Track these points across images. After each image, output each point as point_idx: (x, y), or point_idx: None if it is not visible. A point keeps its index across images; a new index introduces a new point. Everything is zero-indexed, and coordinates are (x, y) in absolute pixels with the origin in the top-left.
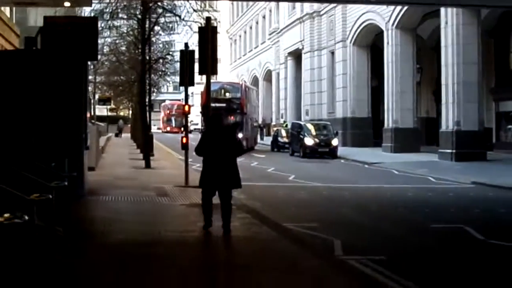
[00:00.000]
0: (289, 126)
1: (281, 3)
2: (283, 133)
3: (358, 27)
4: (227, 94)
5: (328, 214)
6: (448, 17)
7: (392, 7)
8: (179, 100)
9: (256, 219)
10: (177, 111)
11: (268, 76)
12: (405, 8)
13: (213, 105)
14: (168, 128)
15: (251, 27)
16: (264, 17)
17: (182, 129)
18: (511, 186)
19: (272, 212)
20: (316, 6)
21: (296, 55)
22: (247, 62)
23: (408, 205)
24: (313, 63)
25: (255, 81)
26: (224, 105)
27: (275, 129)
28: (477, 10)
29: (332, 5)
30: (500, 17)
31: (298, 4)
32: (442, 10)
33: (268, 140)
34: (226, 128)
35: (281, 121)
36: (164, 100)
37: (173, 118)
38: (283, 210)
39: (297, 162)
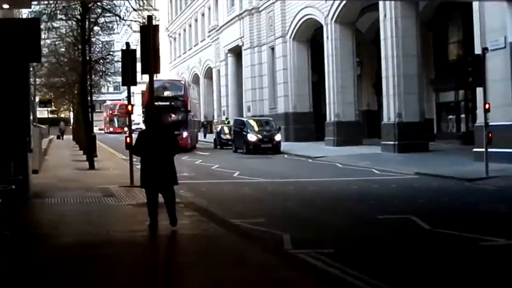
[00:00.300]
0: (231, 123)
1: (220, 0)
2: (226, 130)
3: (298, 22)
4: (170, 93)
5: (275, 209)
6: (387, 10)
7: (330, 2)
8: (121, 100)
9: (203, 217)
10: (119, 111)
11: (208, 74)
12: (344, 2)
13: (156, 103)
14: (111, 129)
15: (190, 25)
16: (203, 14)
17: (125, 129)
18: (453, 176)
19: (219, 209)
20: (255, 2)
21: (236, 52)
22: (187, 60)
23: (353, 198)
24: (253, 59)
25: (195, 78)
26: (167, 103)
27: (218, 126)
28: (415, 3)
29: (271, 1)
30: (438, 9)
31: (237, 1)
32: (381, 3)
33: (211, 137)
34: (162, 127)
35: (223, 118)
36: (105, 101)
37: (115, 119)
38: (229, 206)
39: (241, 159)
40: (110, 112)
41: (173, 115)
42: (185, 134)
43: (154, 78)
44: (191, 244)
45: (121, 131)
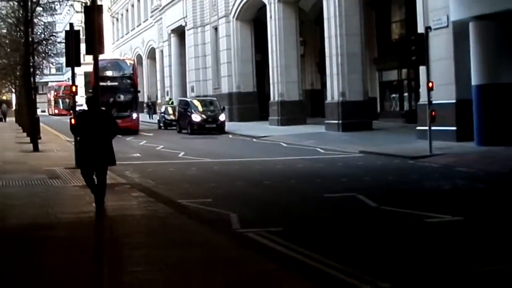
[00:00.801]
0: (175, 104)
1: None
2: (170, 110)
3: (241, 2)
4: (118, 72)
5: (222, 189)
6: None
7: None
8: (64, 81)
9: (151, 197)
10: (64, 92)
11: (152, 54)
12: None
13: (104, 84)
14: (56, 111)
15: (133, 5)
16: None
17: (71, 111)
18: (397, 154)
19: (166, 189)
20: None
21: (180, 32)
22: (130, 41)
23: (299, 176)
24: (196, 40)
25: (139, 59)
26: (115, 83)
27: (162, 107)
28: None
29: None
30: None
31: None
32: None
33: (156, 118)
34: (102, 109)
35: (167, 98)
36: (47, 83)
37: (60, 100)
38: (176, 187)
39: (186, 139)
40: (55, 93)
41: (122, 96)
42: (134, 115)
43: (102, 58)
44: (139, 225)
45: (66, 113)
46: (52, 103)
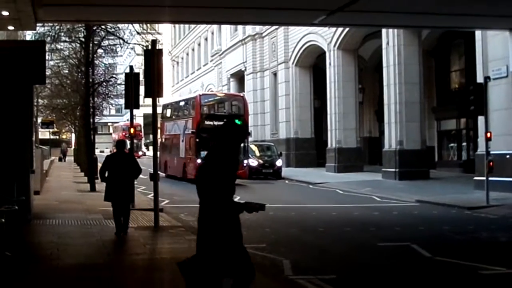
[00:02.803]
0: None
1: (223, 25)
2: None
3: (300, 48)
4: (227, 110)
5: (276, 234)
6: (389, 37)
7: (333, 29)
8: (126, 121)
9: None
10: (135, 132)
11: None
12: (347, 29)
13: (209, 123)
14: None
15: (193, 49)
16: (206, 39)
17: (140, 153)
18: (454, 204)
19: None
20: (258, 28)
21: (239, 77)
22: (189, 84)
23: (354, 224)
24: (255, 84)
25: None
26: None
27: None
28: (417, 31)
29: (274, 27)
30: (440, 38)
31: (240, 26)
32: (384, 31)
33: None
34: (127, 153)
35: None
36: (106, 123)
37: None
38: None
39: (242, 184)
40: (123, 134)
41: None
42: (245, 162)
43: (206, 92)
44: None
45: (135, 155)
46: None
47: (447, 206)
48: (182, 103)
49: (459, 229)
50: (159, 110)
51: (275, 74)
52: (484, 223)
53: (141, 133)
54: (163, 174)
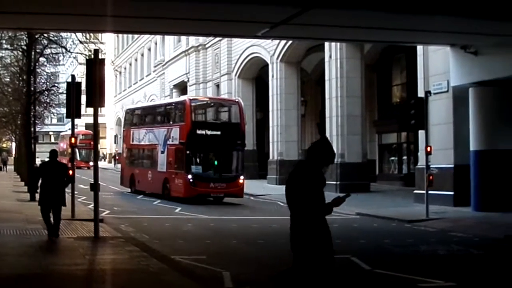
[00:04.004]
0: None
1: (166, 36)
2: None
3: (244, 60)
4: (221, 117)
5: (217, 246)
6: (332, 51)
7: (277, 41)
8: (67, 131)
9: (144, 252)
10: (83, 141)
11: None
12: (290, 42)
13: (201, 132)
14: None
15: (136, 59)
16: (149, 49)
17: (91, 163)
18: (394, 217)
19: (160, 245)
20: (201, 39)
21: (182, 88)
22: (132, 94)
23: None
24: (198, 96)
25: None
26: (218, 133)
27: None
28: (360, 45)
29: (218, 38)
30: (382, 52)
31: (183, 37)
32: (326, 44)
33: None
34: (59, 162)
35: None
36: (48, 132)
37: (77, 150)
38: (171, 242)
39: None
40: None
41: (225, 150)
42: (241, 178)
43: (198, 97)
44: (131, 279)
45: (86, 165)
46: (67, 153)
47: (387, 219)
48: (160, 109)
49: (399, 242)
50: (110, 117)
51: (218, 86)
52: (423, 236)
53: (91, 142)
54: (128, 189)
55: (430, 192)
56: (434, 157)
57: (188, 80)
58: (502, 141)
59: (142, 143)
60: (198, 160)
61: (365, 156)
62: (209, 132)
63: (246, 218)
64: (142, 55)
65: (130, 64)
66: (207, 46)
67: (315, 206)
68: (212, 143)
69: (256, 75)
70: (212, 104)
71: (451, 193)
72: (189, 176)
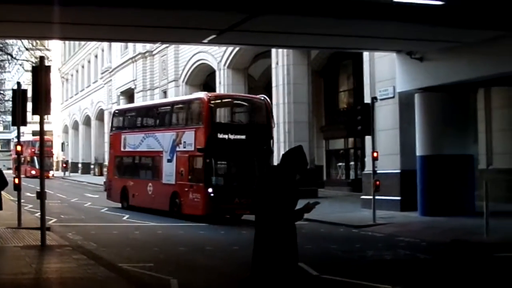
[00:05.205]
0: None
1: (113, 43)
2: None
3: (191, 67)
4: (247, 118)
5: (164, 253)
6: (279, 57)
7: (224, 48)
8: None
9: (92, 260)
10: (46, 149)
11: (100, 115)
12: (237, 48)
13: (223, 137)
14: (34, 172)
15: (83, 66)
16: (96, 56)
17: (52, 173)
18: (341, 222)
19: (108, 252)
20: (148, 46)
21: (129, 94)
22: (80, 101)
23: (242, 243)
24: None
25: (87, 120)
26: (243, 137)
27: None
28: (307, 51)
29: (165, 45)
30: (329, 58)
31: (130, 44)
32: (273, 50)
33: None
34: None
35: None
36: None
37: (36, 158)
38: (118, 250)
39: None
40: (32, 150)
41: (251, 159)
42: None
43: (218, 94)
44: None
45: (46, 175)
46: (26, 162)
47: (335, 225)
48: (165, 108)
49: (346, 247)
50: (57, 124)
51: (165, 92)
52: (370, 241)
53: (51, 150)
54: (118, 204)
55: (377, 197)
56: (380, 162)
57: (135, 87)
58: (447, 146)
59: (139, 149)
60: (219, 170)
61: (313, 162)
62: (232, 137)
63: (194, 225)
64: (89, 62)
65: (77, 71)
66: (154, 52)
67: (286, 212)
68: (236, 149)
69: (203, 81)
70: (235, 102)
71: (398, 198)
72: (209, 190)
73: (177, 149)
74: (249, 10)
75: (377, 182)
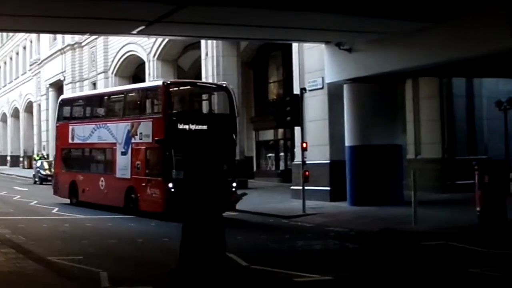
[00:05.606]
0: (51, 158)
1: (42, 34)
2: (46, 165)
3: (120, 58)
4: (209, 106)
5: (94, 246)
6: (208, 48)
7: (153, 39)
8: None
9: (21, 254)
10: None
11: (29, 108)
12: (166, 40)
13: (183, 127)
14: None
15: (11, 58)
16: (24, 47)
17: None
18: (271, 213)
19: (37, 246)
20: (77, 37)
21: (58, 87)
22: (8, 93)
23: (173, 235)
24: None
25: (15, 112)
26: (205, 127)
27: (38, 162)
28: (236, 42)
29: (94, 36)
30: (259, 49)
31: (59, 35)
32: (203, 42)
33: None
34: None
35: (43, 153)
36: None
37: None
38: (48, 243)
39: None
40: None
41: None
42: (234, 185)
43: (177, 80)
44: (7, 281)
45: None
46: None
47: (265, 215)
48: (116, 96)
49: (276, 237)
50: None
51: (94, 84)
52: (300, 232)
53: None
54: (67, 200)
55: (306, 188)
56: (310, 153)
57: (64, 79)
58: (375, 136)
59: (89, 141)
60: (179, 163)
61: (243, 153)
62: (193, 127)
63: (124, 217)
64: (17, 53)
65: (5, 63)
66: (83, 44)
67: (213, 203)
68: (198, 141)
69: (133, 73)
70: (195, 89)
71: (328, 188)
72: (170, 185)
73: (133, 140)
74: (177, 1)
75: (307, 173)
